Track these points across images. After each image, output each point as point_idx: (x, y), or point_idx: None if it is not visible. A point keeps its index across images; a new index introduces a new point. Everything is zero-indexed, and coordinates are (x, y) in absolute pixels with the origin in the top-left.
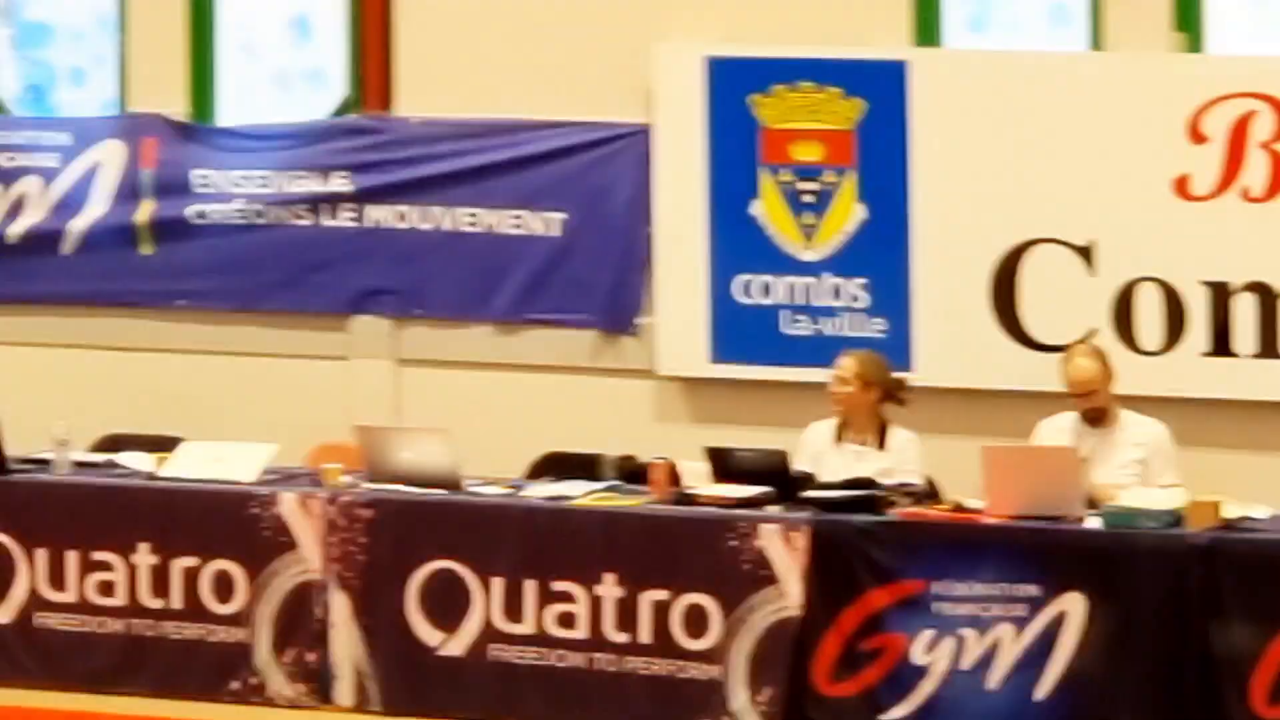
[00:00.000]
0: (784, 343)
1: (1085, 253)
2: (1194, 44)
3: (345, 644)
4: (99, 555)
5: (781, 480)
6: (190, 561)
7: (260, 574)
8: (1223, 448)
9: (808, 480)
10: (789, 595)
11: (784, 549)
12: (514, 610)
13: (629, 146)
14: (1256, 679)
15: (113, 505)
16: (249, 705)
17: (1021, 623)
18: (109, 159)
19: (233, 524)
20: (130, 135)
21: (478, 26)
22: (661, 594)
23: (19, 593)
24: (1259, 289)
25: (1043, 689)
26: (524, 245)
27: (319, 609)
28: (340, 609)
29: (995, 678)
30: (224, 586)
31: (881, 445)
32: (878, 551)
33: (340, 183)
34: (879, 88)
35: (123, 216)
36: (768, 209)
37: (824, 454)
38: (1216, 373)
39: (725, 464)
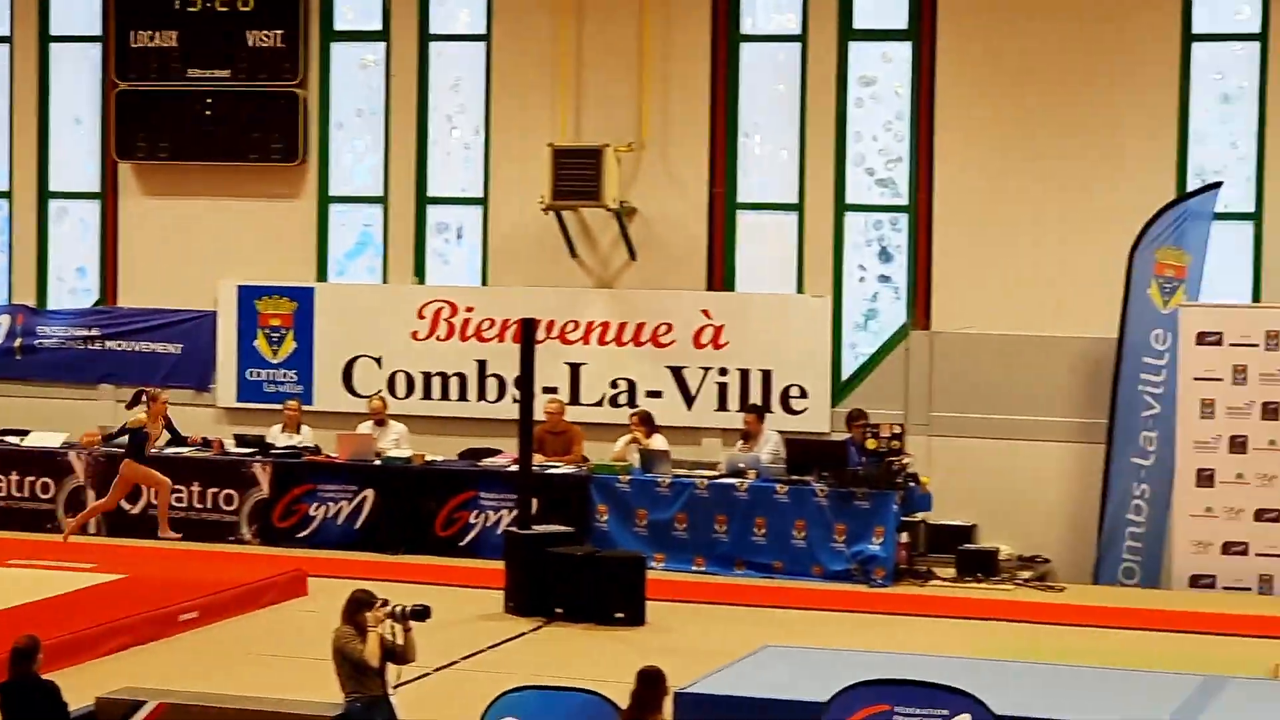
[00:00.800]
0: (264, 394)
1: (379, 361)
2: (421, 280)
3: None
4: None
5: (264, 446)
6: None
7: (62, 480)
8: (443, 435)
9: (271, 447)
10: (264, 489)
11: (263, 473)
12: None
13: (208, 320)
14: (439, 520)
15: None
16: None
17: (351, 498)
18: (2, 323)
19: (52, 465)
20: (12, 313)
21: (150, 272)
22: (215, 490)
23: None
24: (439, 375)
25: (356, 525)
26: (165, 357)
27: (84, 496)
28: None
29: (342, 520)
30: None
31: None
32: (295, 473)
33: (96, 331)
34: (303, 298)
35: (9, 344)
36: (260, 343)
37: (276, 439)
38: (450, 405)
39: (243, 441)
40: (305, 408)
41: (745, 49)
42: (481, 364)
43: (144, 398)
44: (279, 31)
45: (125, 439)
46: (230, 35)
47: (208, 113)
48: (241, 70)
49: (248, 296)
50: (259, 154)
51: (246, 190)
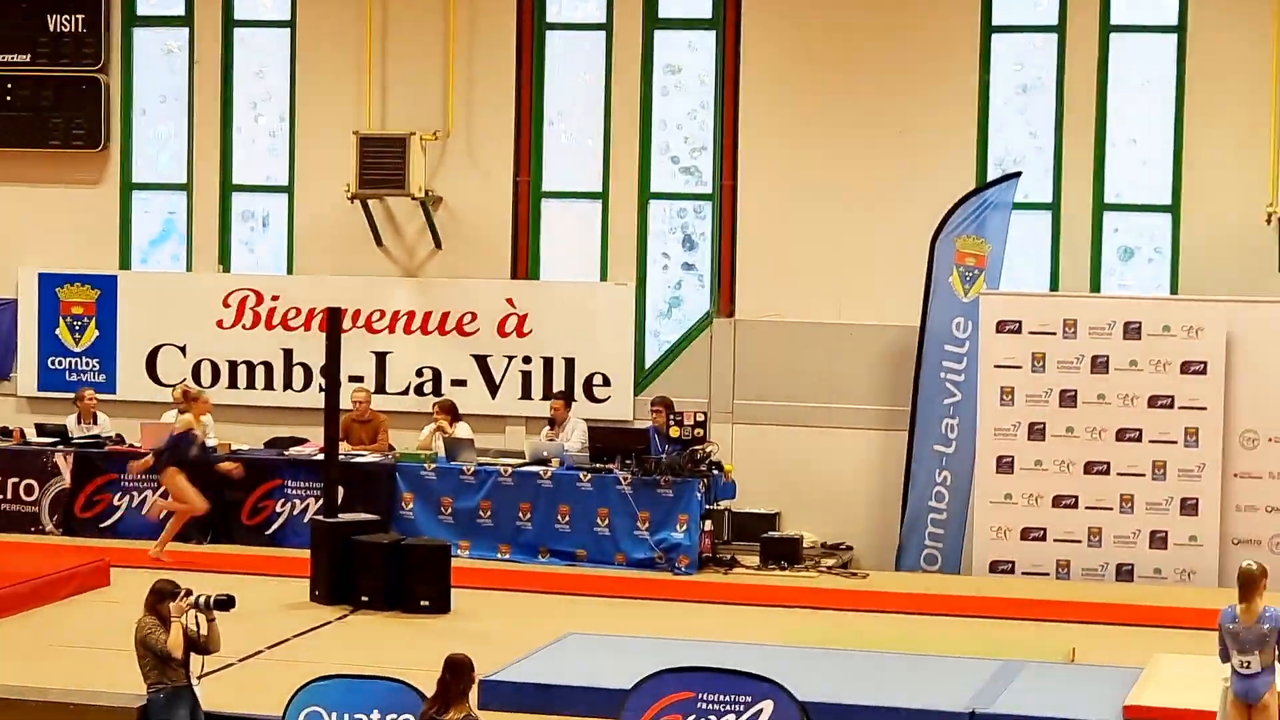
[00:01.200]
0: (66, 383)
1: (183, 349)
2: (226, 268)
3: None
4: None
5: (65, 435)
6: None
7: None
8: (249, 424)
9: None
10: (66, 479)
11: (65, 463)
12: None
13: (8, 308)
14: (245, 509)
15: None
16: None
17: (155, 488)
18: None
19: None
20: None
21: None
22: (16, 480)
23: None
24: (245, 363)
25: (152, 513)
26: None
27: None
28: None
29: (146, 510)
30: None
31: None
32: (97, 463)
33: None
34: (106, 286)
35: None
36: (62, 331)
37: (74, 429)
38: (256, 394)
39: (44, 430)
40: (109, 396)
41: (551, 37)
42: (288, 352)
43: (185, 398)
44: (80, 16)
45: (179, 445)
46: (31, 19)
47: (8, 97)
48: (42, 55)
49: (49, 284)
50: (60, 140)
51: (48, 176)
